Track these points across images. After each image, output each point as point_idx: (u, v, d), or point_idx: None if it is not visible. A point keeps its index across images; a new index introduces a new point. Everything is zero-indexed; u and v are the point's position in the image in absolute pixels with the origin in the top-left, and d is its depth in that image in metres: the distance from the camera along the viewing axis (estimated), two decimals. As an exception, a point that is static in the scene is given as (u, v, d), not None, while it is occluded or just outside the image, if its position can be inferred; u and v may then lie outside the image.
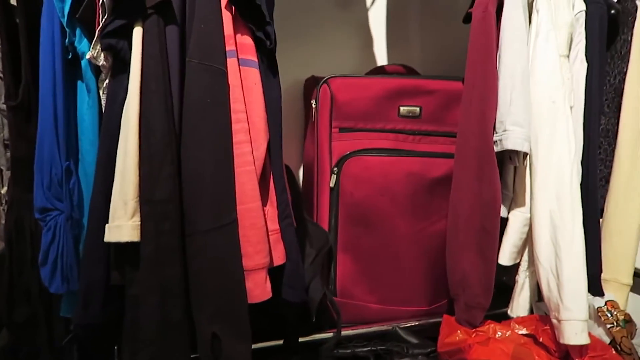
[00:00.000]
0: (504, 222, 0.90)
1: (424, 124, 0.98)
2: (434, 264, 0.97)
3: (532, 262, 0.89)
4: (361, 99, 0.97)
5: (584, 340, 0.80)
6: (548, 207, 0.84)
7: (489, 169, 0.84)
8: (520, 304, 0.93)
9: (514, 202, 0.90)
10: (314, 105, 1.00)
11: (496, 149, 0.83)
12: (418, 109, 0.98)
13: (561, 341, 0.81)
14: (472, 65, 0.86)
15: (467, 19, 0.94)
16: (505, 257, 0.90)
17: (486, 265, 0.86)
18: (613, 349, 0.87)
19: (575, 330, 0.80)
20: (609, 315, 0.90)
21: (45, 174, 0.77)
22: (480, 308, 0.87)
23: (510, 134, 0.82)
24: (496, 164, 0.84)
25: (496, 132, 0.83)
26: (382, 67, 1.15)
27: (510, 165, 0.89)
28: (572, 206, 0.83)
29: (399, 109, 0.97)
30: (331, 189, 0.98)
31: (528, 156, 0.86)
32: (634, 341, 0.90)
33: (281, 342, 0.88)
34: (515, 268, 0.93)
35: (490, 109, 0.83)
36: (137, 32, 0.68)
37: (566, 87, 0.87)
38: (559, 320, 0.82)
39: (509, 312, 0.93)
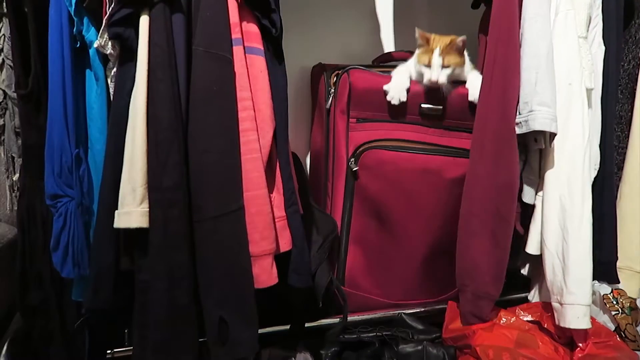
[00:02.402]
0: (530, 208, 0.88)
1: (446, 120, 0.93)
2: (444, 263, 0.94)
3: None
4: (380, 94, 0.92)
5: (585, 324, 0.80)
6: (558, 191, 0.82)
7: (508, 152, 0.81)
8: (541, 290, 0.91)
9: (540, 187, 0.87)
10: (331, 93, 0.97)
11: (520, 130, 0.81)
12: (440, 107, 0.92)
13: (562, 325, 0.81)
14: (493, 44, 0.82)
15: (476, 4, 0.93)
16: (533, 246, 0.87)
17: (499, 252, 0.83)
18: (617, 336, 0.87)
19: (577, 314, 0.80)
20: (615, 302, 0.90)
21: (55, 161, 0.78)
22: (489, 299, 0.85)
23: (537, 114, 0.79)
24: (516, 146, 0.81)
25: (519, 114, 0.81)
26: (389, 53, 1.14)
27: (536, 149, 0.86)
28: (583, 191, 0.82)
29: (419, 107, 0.92)
30: (347, 179, 0.96)
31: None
32: (639, 328, 0.90)
33: (287, 327, 0.89)
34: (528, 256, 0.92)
35: (513, 88, 0.80)
36: (144, 21, 0.69)
37: (587, 68, 0.84)
38: (561, 304, 0.81)
39: (529, 297, 0.93)
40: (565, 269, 0.81)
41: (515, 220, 0.86)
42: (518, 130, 0.81)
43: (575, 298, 0.80)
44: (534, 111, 0.79)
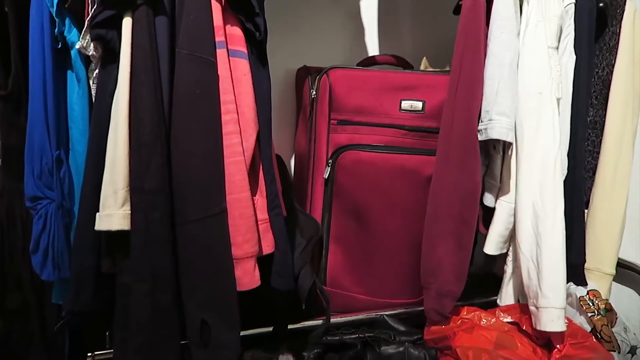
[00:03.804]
0: (491, 211, 0.90)
1: (426, 120, 0.95)
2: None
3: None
4: (361, 92, 0.95)
5: (559, 327, 0.82)
6: (531, 197, 0.85)
7: (471, 158, 0.84)
8: (508, 293, 0.94)
9: (501, 191, 0.91)
10: (313, 96, 0.98)
11: (481, 137, 0.83)
12: (421, 103, 0.94)
13: (538, 328, 0.83)
14: (459, 54, 0.85)
15: (458, 10, 0.94)
16: (491, 247, 0.90)
17: (461, 253, 0.86)
18: (593, 337, 0.88)
19: (552, 317, 0.82)
20: (591, 304, 0.92)
21: (35, 163, 0.77)
22: (452, 296, 0.87)
23: (495, 124, 0.82)
24: (479, 153, 0.84)
25: (481, 121, 0.83)
26: (373, 57, 1.15)
27: (497, 155, 0.89)
28: (555, 197, 0.84)
29: (400, 103, 0.94)
30: (325, 180, 0.97)
31: (513, 146, 0.86)
32: (614, 329, 0.92)
33: (270, 329, 0.90)
34: (502, 258, 0.94)
35: (476, 97, 0.83)
36: (127, 23, 0.68)
37: (555, 78, 0.87)
38: (537, 308, 0.83)
39: (498, 301, 0.95)
40: (539, 273, 0.83)
41: (479, 222, 0.89)
42: (479, 137, 0.84)
43: (549, 301, 0.82)
44: (493, 120, 0.82)
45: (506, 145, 0.86)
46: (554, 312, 0.82)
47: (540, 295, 0.83)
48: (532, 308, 0.85)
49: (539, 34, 0.85)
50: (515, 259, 0.92)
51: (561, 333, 0.83)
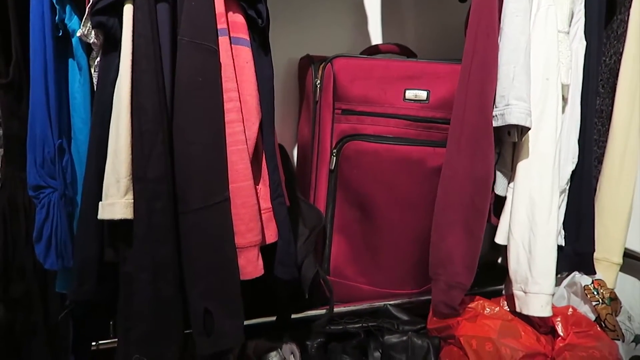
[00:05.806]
0: (502, 201, 0.89)
1: (430, 110, 0.93)
2: (427, 251, 0.93)
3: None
4: (365, 81, 0.94)
5: (547, 312, 0.83)
6: (529, 183, 0.84)
7: (485, 144, 0.82)
8: None
9: (512, 179, 0.89)
10: (317, 85, 0.98)
11: (496, 123, 0.82)
12: (425, 93, 0.93)
13: (524, 312, 0.84)
14: (472, 36, 0.82)
15: None
16: (502, 236, 0.89)
17: (472, 242, 0.84)
18: (598, 326, 0.89)
19: (541, 303, 0.82)
20: (595, 293, 0.92)
21: (37, 152, 0.77)
22: (461, 288, 0.85)
23: (513, 109, 0.80)
24: (493, 139, 0.82)
25: (496, 107, 0.82)
26: (376, 46, 1.14)
27: (509, 143, 0.87)
28: (552, 185, 0.83)
29: (404, 93, 0.93)
30: (330, 170, 0.97)
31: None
32: (618, 318, 0.92)
33: (273, 318, 0.90)
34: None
35: (491, 81, 0.81)
36: (128, 10, 0.68)
37: (565, 64, 0.86)
38: (525, 292, 0.84)
39: (503, 292, 0.94)
40: (531, 260, 0.83)
41: (490, 213, 0.88)
42: (494, 123, 0.82)
43: (541, 288, 0.82)
44: (511, 105, 0.80)
45: (522, 131, 0.84)
46: (544, 298, 0.82)
47: (531, 281, 0.83)
48: (519, 293, 0.85)
49: (550, 18, 0.84)
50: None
51: (566, 321, 0.85)
